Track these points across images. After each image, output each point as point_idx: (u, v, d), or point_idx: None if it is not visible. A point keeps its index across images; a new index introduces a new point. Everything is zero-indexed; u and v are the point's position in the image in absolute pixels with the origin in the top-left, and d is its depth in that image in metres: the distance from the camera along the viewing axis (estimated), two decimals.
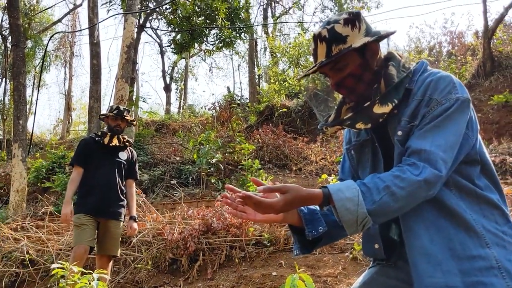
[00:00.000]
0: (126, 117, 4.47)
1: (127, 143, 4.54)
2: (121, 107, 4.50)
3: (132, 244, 5.70)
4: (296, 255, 1.62)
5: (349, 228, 1.33)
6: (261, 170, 7.74)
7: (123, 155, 4.50)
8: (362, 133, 1.62)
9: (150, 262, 5.34)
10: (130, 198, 4.51)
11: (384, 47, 1.62)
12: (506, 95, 8.57)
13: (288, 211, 1.45)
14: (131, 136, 13.07)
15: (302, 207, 1.51)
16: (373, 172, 1.49)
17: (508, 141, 6.88)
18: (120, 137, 4.47)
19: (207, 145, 8.90)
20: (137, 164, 4.72)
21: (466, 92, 1.42)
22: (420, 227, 1.39)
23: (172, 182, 8.53)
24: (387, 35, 1.55)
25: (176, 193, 7.98)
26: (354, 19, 1.50)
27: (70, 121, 25.29)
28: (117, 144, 4.41)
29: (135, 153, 4.72)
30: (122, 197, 4.43)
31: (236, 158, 8.92)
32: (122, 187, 4.44)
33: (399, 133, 1.44)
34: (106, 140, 4.36)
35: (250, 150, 8.73)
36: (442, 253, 1.34)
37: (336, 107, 1.66)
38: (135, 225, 4.44)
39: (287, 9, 23.08)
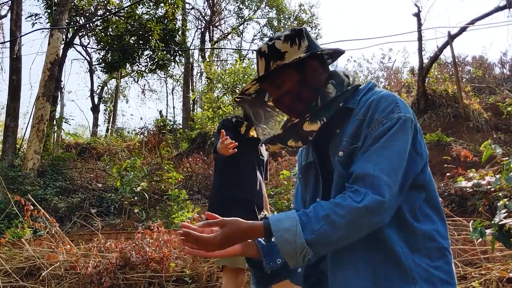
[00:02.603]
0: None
1: None
2: None
3: (41, 277, 5.32)
4: None
5: (290, 260, 1.28)
6: (188, 201, 7.47)
7: (264, 151, 3.65)
8: (309, 156, 1.59)
9: None
10: (265, 205, 3.64)
11: (335, 67, 1.62)
12: (438, 134, 8.85)
13: (230, 246, 1.37)
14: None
15: (260, 239, 1.46)
16: (314, 197, 1.47)
17: (439, 180, 7.10)
18: None
19: (132, 172, 8.47)
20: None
21: (409, 111, 1.38)
22: (348, 257, 1.34)
23: (91, 210, 7.99)
24: (325, 52, 1.55)
25: (95, 223, 7.48)
26: (294, 36, 1.50)
27: None
28: (255, 136, 3.47)
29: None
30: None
31: (163, 187, 8.59)
32: None
33: (340, 153, 1.39)
34: (242, 129, 3.47)
35: (178, 179, 8.43)
36: (364, 287, 1.30)
37: (282, 125, 1.63)
38: None
39: (226, 34, 23.24)
